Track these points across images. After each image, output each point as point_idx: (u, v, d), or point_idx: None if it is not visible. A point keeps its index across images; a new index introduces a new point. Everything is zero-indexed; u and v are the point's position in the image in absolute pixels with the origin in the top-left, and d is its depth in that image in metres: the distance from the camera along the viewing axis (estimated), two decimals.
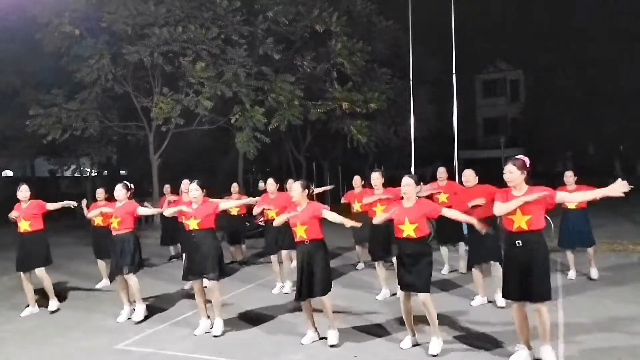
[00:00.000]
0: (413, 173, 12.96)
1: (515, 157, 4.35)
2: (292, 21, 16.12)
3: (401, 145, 21.91)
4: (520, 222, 4.21)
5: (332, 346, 4.94)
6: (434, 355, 4.58)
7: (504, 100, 36.82)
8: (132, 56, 13.90)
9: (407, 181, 4.83)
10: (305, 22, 16.11)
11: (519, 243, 4.21)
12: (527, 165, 4.28)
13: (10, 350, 5.25)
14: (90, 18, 14.45)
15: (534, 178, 6.38)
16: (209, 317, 5.61)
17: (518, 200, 4.17)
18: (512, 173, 4.24)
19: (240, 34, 15.04)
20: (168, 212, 5.79)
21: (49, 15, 14.09)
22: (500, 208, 4.27)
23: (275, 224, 5.40)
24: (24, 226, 6.42)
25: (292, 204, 5.30)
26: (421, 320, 4.99)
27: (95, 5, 14.25)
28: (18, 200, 6.48)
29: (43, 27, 14.27)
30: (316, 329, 5.16)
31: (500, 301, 6.09)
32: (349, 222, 4.90)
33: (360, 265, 8.86)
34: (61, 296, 7.19)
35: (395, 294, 6.76)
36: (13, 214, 6.45)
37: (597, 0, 25.74)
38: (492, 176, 6.41)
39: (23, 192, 6.41)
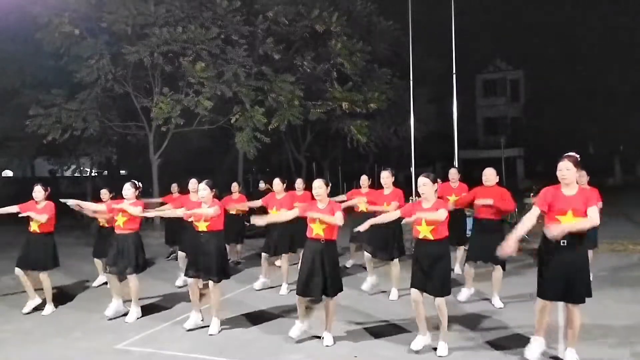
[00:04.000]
0: (413, 173, 12.97)
1: (568, 153, 4.18)
2: (292, 21, 16.12)
3: (401, 145, 21.92)
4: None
5: (327, 346, 4.95)
6: (441, 357, 4.57)
7: (504, 100, 36.81)
8: (132, 56, 13.90)
9: (423, 181, 4.64)
10: (305, 22, 16.12)
11: (564, 243, 4.07)
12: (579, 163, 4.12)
13: (10, 350, 5.24)
14: (90, 18, 14.45)
15: (534, 178, 6.37)
16: (200, 311, 5.67)
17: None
18: (569, 170, 4.08)
19: (240, 34, 15.04)
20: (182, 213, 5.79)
21: (49, 15, 14.07)
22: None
23: (310, 217, 4.93)
24: (34, 226, 6.45)
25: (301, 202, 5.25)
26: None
27: (95, 5, 14.24)
28: (31, 199, 6.46)
29: (43, 27, 14.25)
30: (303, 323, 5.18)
31: (498, 303, 6.11)
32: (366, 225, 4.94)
33: (349, 263, 8.88)
34: (61, 296, 7.19)
35: (385, 291, 6.83)
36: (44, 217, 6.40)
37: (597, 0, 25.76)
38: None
39: (36, 192, 6.40)
